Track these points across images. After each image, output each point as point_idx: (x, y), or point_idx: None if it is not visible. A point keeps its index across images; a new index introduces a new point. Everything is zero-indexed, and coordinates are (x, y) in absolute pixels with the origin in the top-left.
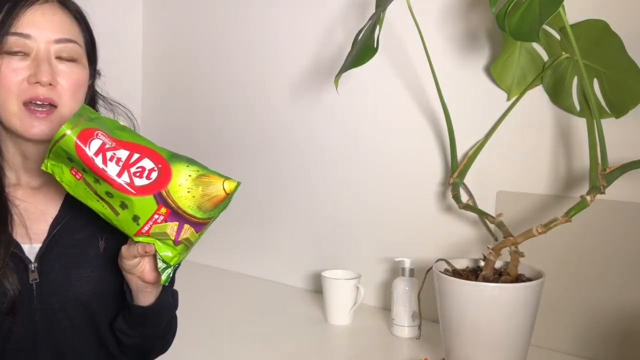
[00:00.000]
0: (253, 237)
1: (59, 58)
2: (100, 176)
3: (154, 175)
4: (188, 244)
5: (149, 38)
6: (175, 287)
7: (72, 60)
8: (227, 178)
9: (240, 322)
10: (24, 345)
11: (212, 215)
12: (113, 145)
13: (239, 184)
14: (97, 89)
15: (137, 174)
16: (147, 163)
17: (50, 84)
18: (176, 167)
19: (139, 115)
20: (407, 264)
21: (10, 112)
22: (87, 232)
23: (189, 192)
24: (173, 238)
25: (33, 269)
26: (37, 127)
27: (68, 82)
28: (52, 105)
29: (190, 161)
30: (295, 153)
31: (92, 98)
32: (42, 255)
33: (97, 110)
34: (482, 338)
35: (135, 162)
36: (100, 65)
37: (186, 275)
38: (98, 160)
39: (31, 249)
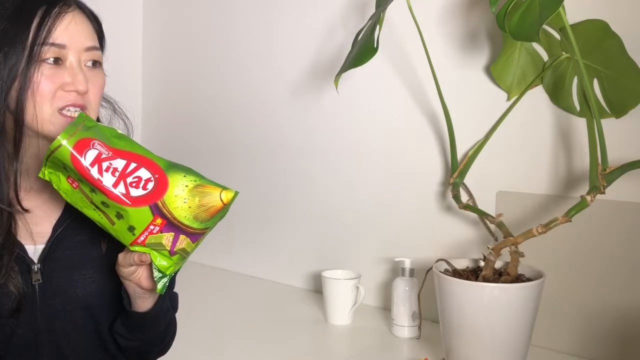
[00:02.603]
0: (253, 237)
1: (87, 64)
2: (95, 186)
3: (150, 185)
4: (184, 254)
5: (149, 38)
6: (176, 286)
7: (98, 65)
8: (224, 188)
9: (240, 322)
10: (26, 346)
11: (209, 225)
12: (110, 154)
13: (236, 193)
14: None
15: (134, 184)
16: (143, 173)
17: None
18: (173, 177)
19: (139, 115)
20: (407, 264)
21: (45, 118)
22: (90, 234)
23: (185, 202)
24: (169, 248)
25: (36, 270)
26: None
27: (96, 88)
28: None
29: (188, 171)
30: (295, 153)
31: None
32: (45, 256)
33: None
34: (482, 338)
35: (132, 172)
36: None
37: (186, 275)
38: (94, 171)
39: (35, 250)
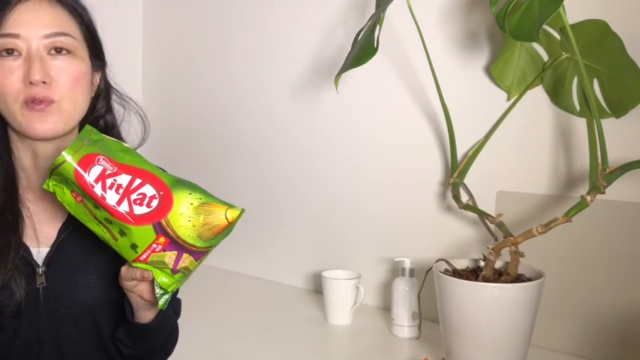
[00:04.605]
0: (253, 237)
1: (52, 53)
2: (99, 203)
3: (154, 203)
4: (187, 272)
5: (149, 38)
6: None
7: (66, 53)
8: (230, 206)
9: (241, 322)
10: (28, 349)
11: (213, 243)
12: (114, 170)
13: (242, 212)
14: (110, 81)
15: (138, 202)
16: (148, 189)
17: (44, 82)
18: (178, 195)
19: None
20: (407, 264)
21: (13, 112)
22: (95, 239)
23: (189, 221)
24: (171, 267)
25: (40, 273)
26: (41, 125)
27: (64, 77)
28: (51, 100)
29: (194, 188)
30: (294, 153)
31: (106, 92)
32: (49, 259)
33: (111, 106)
34: (482, 338)
35: (137, 188)
36: None
37: None
38: (97, 188)
39: (39, 253)
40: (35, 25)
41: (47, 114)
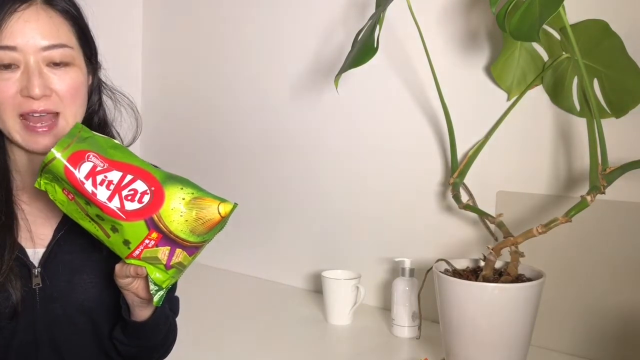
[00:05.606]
0: (253, 237)
1: (50, 65)
2: (90, 200)
3: (146, 198)
4: (181, 268)
5: (149, 38)
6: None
7: (65, 64)
8: (222, 200)
9: (240, 322)
10: (26, 350)
11: (207, 238)
12: (105, 166)
13: (235, 206)
14: (102, 77)
15: (129, 197)
16: (139, 185)
17: (44, 95)
18: (169, 190)
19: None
20: (407, 264)
21: (10, 127)
22: (90, 238)
23: (181, 216)
24: (165, 262)
25: (37, 273)
26: (41, 143)
27: (64, 88)
28: (53, 113)
29: (185, 183)
30: (295, 153)
31: (99, 88)
32: (45, 260)
33: (103, 101)
34: (482, 338)
35: (128, 184)
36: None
37: (186, 275)
38: (88, 185)
39: (35, 253)
40: (32, 37)
41: (52, 135)
